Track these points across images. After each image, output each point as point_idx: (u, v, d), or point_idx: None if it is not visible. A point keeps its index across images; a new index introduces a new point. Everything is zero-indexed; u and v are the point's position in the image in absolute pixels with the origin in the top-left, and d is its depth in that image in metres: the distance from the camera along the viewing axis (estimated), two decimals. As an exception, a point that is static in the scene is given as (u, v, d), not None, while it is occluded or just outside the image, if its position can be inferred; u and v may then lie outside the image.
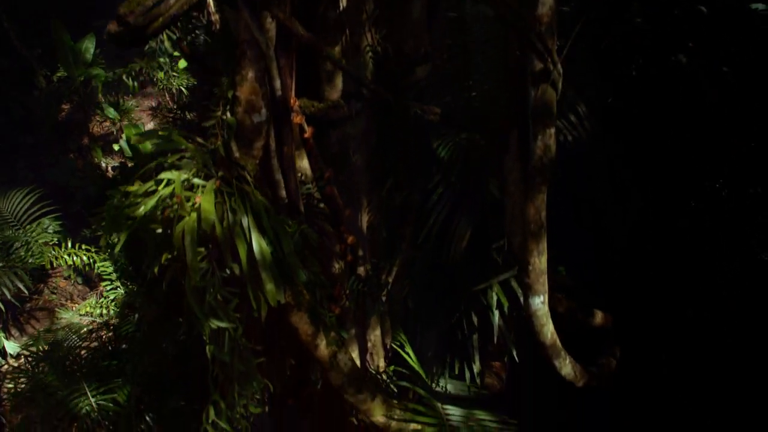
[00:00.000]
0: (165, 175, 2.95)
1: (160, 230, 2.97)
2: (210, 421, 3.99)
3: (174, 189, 2.80)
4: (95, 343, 5.77)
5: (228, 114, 3.13)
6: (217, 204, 3.00)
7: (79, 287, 7.97)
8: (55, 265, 6.49)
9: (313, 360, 3.42)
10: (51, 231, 7.28)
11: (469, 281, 3.79)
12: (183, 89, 8.63)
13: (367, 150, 3.64)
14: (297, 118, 3.19)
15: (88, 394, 5.41)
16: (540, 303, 2.95)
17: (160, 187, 2.82)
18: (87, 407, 5.44)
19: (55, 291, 7.85)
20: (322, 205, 3.74)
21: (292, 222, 3.36)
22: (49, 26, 8.36)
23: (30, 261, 6.78)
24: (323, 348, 3.34)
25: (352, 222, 3.77)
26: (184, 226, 2.81)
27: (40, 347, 5.65)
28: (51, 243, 6.97)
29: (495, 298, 3.54)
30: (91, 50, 8.63)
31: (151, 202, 2.80)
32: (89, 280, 7.97)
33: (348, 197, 3.66)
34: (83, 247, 6.58)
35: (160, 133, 3.57)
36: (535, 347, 4.28)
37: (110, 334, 6.01)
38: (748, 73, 3.92)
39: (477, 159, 3.42)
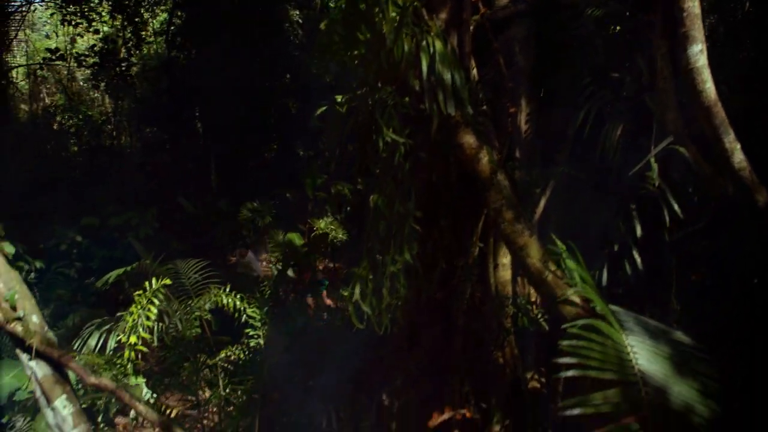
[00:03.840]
0: None
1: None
2: (353, 299, 4.04)
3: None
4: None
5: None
6: (406, 36, 3.73)
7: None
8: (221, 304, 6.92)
9: (476, 177, 3.56)
10: (207, 308, 7.91)
11: (625, 175, 3.89)
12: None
13: (528, 56, 4.27)
14: (475, -8, 4.02)
15: None
16: (698, 52, 3.03)
17: None
18: None
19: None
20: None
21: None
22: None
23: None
24: (485, 163, 3.52)
25: (513, 123, 4.20)
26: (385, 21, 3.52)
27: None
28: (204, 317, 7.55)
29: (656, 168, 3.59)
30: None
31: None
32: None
33: (511, 98, 4.19)
34: (237, 294, 7.09)
35: None
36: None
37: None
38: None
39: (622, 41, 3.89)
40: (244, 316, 7.10)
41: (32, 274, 8.57)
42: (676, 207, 3.53)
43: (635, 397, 2.91)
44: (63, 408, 3.84)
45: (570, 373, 2.88)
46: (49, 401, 3.84)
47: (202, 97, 16.36)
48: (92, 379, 3.85)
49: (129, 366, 6.18)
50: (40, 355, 3.76)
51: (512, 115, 4.01)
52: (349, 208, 11.97)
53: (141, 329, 5.90)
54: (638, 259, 3.73)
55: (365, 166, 3.82)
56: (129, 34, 16.55)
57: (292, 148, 17.29)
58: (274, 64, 16.52)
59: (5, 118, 14.99)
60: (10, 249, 3.70)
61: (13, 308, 3.68)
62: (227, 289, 7.16)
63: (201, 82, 15.85)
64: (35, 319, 3.76)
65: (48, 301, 8.44)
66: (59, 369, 3.86)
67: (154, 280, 6.08)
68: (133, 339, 5.90)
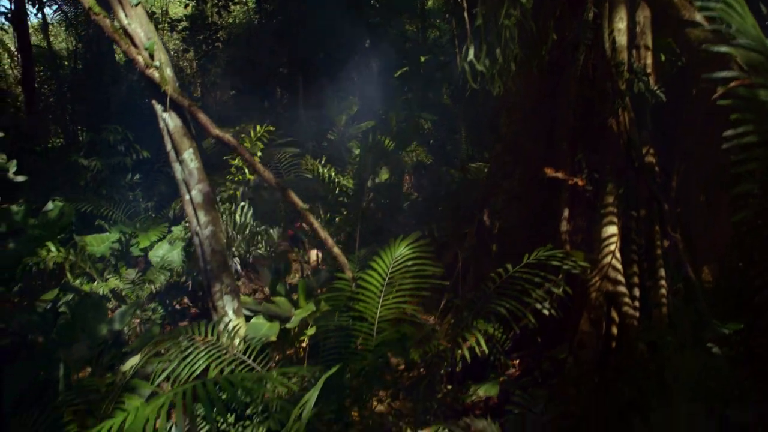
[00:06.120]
0: None
1: None
2: (468, 59, 4.08)
3: None
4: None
5: None
6: None
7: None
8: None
9: None
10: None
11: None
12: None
13: None
14: None
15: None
16: None
17: None
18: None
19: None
20: None
21: None
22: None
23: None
24: None
25: None
26: None
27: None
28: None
29: None
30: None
31: None
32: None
33: None
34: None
35: None
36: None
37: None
38: None
39: None
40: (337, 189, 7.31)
41: (137, 176, 9.15)
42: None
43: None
44: (190, 161, 4.07)
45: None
46: (178, 154, 4.08)
47: (285, 61, 16.97)
48: (216, 131, 4.06)
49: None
50: (172, 107, 4.01)
51: None
52: (431, 141, 12.18)
53: (247, 172, 6.19)
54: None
55: None
56: (217, -2, 17.40)
57: (372, 107, 17.57)
58: (355, 27, 16.91)
59: (109, 76, 16.10)
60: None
61: (151, 57, 3.96)
62: (323, 161, 7.40)
63: (284, 47, 16.45)
64: (169, 72, 4.02)
65: (151, 196, 8.98)
66: (187, 124, 4.10)
67: (258, 127, 6.37)
68: (239, 177, 6.18)
